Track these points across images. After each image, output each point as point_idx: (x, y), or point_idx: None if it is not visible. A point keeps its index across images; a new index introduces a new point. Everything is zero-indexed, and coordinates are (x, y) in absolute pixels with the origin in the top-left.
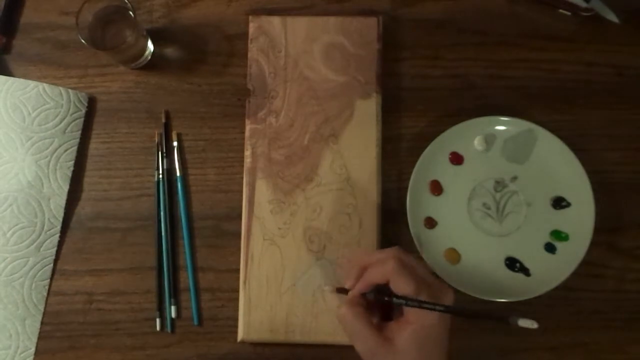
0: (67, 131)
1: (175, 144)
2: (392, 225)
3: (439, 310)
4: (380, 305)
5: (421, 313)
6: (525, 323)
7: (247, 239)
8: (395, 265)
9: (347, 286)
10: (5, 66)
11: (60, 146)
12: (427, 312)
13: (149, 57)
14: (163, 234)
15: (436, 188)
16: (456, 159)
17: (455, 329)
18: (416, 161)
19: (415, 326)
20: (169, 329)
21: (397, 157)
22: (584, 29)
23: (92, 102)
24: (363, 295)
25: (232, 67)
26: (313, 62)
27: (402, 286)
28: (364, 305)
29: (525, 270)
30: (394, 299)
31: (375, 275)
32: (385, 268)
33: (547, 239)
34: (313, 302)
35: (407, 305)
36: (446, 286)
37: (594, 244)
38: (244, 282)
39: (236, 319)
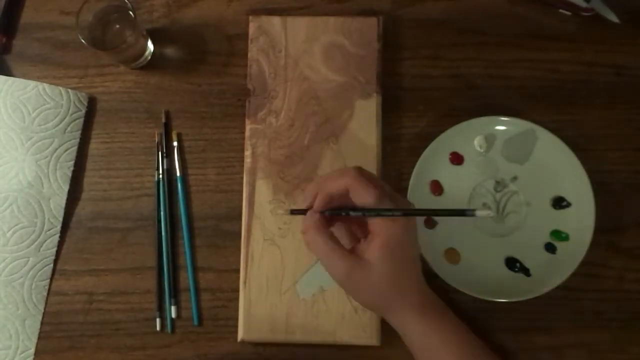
0: (67, 131)
1: (175, 144)
2: None
3: (397, 215)
4: (347, 228)
5: (385, 224)
6: (482, 213)
7: (247, 239)
8: (356, 174)
9: (305, 205)
10: (5, 66)
11: (60, 146)
12: (391, 222)
13: (149, 57)
14: (163, 234)
15: (436, 188)
16: (456, 159)
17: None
18: (416, 161)
19: (382, 238)
20: (169, 329)
21: (397, 157)
22: (584, 29)
23: (92, 102)
24: (322, 214)
25: (232, 67)
26: (313, 62)
27: (363, 194)
28: (327, 227)
29: (525, 270)
30: (351, 212)
31: (333, 186)
32: (344, 178)
33: (547, 239)
34: (313, 302)
35: (364, 214)
36: (404, 199)
37: (594, 244)
38: (244, 282)
39: (236, 319)
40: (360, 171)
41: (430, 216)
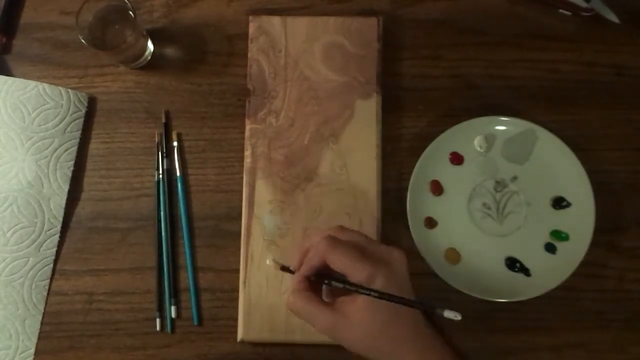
0: (67, 131)
1: (175, 144)
2: (392, 225)
3: (374, 296)
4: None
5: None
6: (450, 314)
7: (247, 239)
8: (326, 246)
9: (293, 267)
10: (5, 66)
11: (60, 146)
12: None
13: (149, 57)
14: (163, 234)
15: (436, 188)
16: (456, 159)
17: (457, 329)
18: (416, 161)
19: (366, 299)
20: (169, 329)
21: (397, 157)
22: (584, 29)
23: (92, 102)
24: (307, 278)
25: (232, 67)
26: (313, 62)
27: (339, 265)
28: (311, 288)
29: (525, 270)
30: (333, 283)
31: (314, 258)
32: (319, 250)
33: (547, 239)
34: None
35: (345, 289)
36: (393, 248)
37: (594, 244)
38: (244, 282)
39: (236, 319)
40: (330, 240)
41: (406, 305)
